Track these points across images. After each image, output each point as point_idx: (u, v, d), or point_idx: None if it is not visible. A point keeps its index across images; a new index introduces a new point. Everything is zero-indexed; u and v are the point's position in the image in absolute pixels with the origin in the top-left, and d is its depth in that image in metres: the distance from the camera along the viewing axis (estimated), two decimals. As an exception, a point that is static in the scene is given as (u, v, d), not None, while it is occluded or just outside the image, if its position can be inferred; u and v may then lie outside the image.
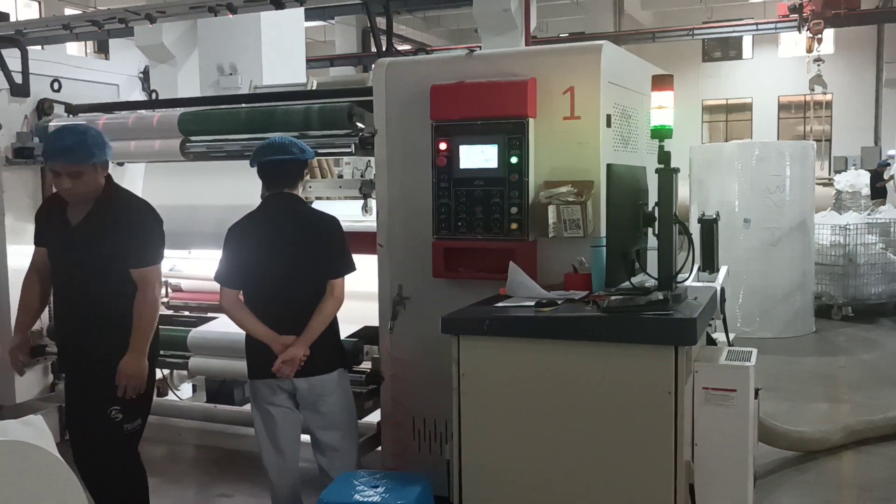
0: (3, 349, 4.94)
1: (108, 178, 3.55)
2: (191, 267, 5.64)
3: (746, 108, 26.49)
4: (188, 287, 5.72)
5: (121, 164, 5.35)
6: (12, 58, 5.15)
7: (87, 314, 3.53)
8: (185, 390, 5.95)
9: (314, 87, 5.77)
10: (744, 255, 8.40)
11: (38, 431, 2.87)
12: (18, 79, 5.05)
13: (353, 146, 4.13)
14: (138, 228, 3.51)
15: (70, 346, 3.62)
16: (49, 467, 2.85)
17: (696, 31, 20.28)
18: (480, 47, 5.84)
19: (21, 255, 5.04)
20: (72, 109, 5.23)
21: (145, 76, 14.72)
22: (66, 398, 3.72)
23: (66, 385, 3.72)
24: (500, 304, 3.40)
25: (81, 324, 3.54)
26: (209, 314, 5.21)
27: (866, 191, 12.63)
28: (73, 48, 19.78)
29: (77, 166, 3.39)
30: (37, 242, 3.70)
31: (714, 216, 4.48)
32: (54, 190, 3.61)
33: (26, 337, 3.73)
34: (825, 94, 18.87)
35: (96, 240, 3.46)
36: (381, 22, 5.02)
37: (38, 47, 13.92)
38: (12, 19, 13.95)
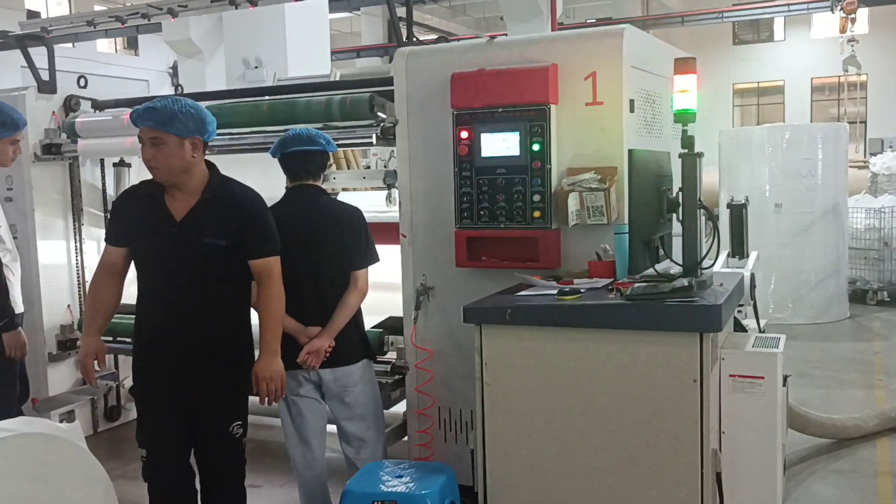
0: (36, 343, 5.04)
1: (213, 167, 3.27)
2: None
3: (778, 90, 26.07)
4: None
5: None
6: (40, 55, 5.22)
7: (200, 320, 3.17)
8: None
9: (337, 79, 5.78)
10: (775, 240, 8.29)
11: (69, 426, 2.92)
12: (45, 76, 5.10)
13: (374, 137, 4.12)
14: (257, 216, 3.23)
15: (177, 356, 3.18)
16: (77, 460, 2.89)
17: (725, 14, 19.94)
18: (506, 35, 5.80)
19: (50, 251, 5.14)
20: (98, 105, 5.28)
21: (174, 71, 14.87)
22: (168, 416, 3.24)
23: (164, 403, 3.24)
24: (522, 293, 3.38)
25: (194, 330, 3.17)
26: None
27: (903, 173, 12.37)
28: (104, 45, 20.02)
29: (157, 132, 3.06)
30: (113, 241, 3.30)
31: (743, 201, 4.42)
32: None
33: (101, 343, 3.33)
34: (860, 74, 18.48)
35: (211, 233, 3.14)
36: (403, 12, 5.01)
37: (69, 45, 14.11)
38: (42, 17, 14.14)
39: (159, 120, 3.05)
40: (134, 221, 3.25)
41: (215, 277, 3.20)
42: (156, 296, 3.24)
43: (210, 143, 4.54)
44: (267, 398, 3.25)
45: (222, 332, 3.23)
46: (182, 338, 3.18)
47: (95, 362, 3.30)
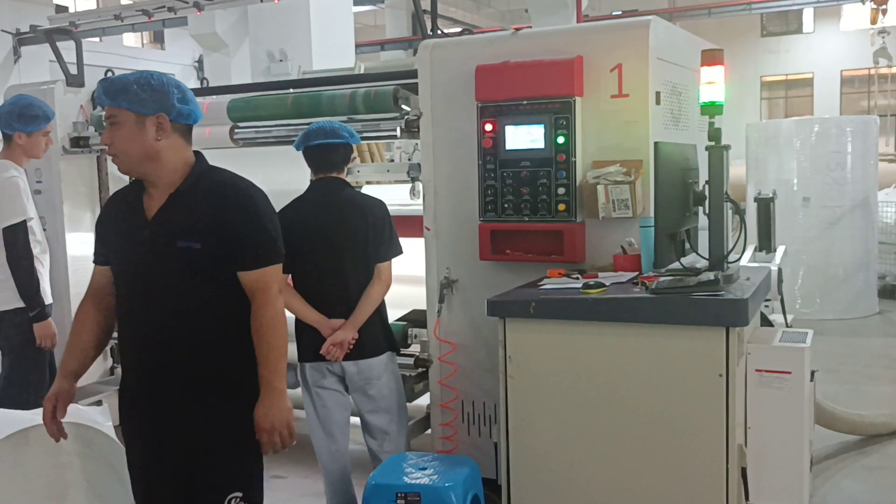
0: (65, 334, 5.10)
1: (200, 155, 2.58)
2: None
3: (807, 83, 25.71)
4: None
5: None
6: (68, 50, 5.28)
7: (182, 353, 2.47)
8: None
9: (362, 72, 5.78)
10: (803, 234, 8.20)
11: (98, 410, 2.96)
12: (74, 70, 5.15)
13: (398, 129, 4.12)
14: (246, 211, 2.51)
15: (158, 401, 2.50)
16: (104, 448, 2.93)
17: (754, 6, 19.66)
18: (531, 28, 5.77)
19: (79, 243, 5.20)
20: (125, 99, 5.33)
21: (200, 65, 14.96)
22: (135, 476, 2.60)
23: (150, 460, 2.55)
24: (546, 286, 3.36)
25: (175, 367, 2.47)
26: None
27: (934, 166, 12.19)
28: (130, 40, 20.19)
29: (112, 109, 2.44)
30: (96, 258, 2.69)
31: (771, 195, 4.37)
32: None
33: (71, 387, 2.58)
34: (891, 67, 18.19)
35: (184, 234, 2.45)
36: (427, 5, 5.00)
37: (96, 39, 14.25)
38: (70, 12, 14.29)
39: (109, 91, 2.43)
40: (110, 230, 2.63)
41: (198, 295, 2.46)
42: (129, 323, 2.56)
43: (237, 137, 4.62)
44: (272, 450, 2.49)
45: (213, 368, 2.48)
46: (162, 378, 2.48)
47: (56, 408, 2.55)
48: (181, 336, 2.46)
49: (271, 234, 2.54)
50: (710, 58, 3.14)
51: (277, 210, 3.66)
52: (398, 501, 3.25)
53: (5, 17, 11.85)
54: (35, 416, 2.77)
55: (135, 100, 2.42)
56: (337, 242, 3.63)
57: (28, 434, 2.75)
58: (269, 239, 2.53)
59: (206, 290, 2.46)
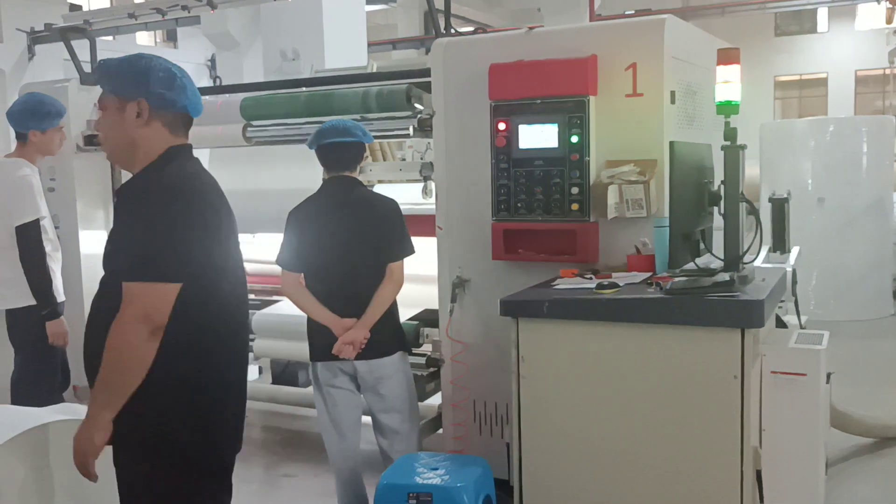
0: (78, 332, 5.12)
1: (173, 151, 2.32)
2: (255, 251, 5.72)
3: (821, 83, 25.58)
4: (252, 271, 5.81)
5: (186, 150, 5.45)
6: (82, 48, 5.30)
7: (85, 352, 2.33)
8: (252, 372, 6.07)
9: (374, 71, 5.78)
10: (817, 235, 8.13)
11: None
12: (88, 68, 5.17)
13: (411, 128, 4.11)
14: (120, 210, 2.27)
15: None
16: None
17: (768, 5, 19.56)
18: (543, 27, 5.75)
19: (92, 241, 5.21)
20: (139, 97, 5.34)
21: (212, 64, 14.99)
22: None
23: None
24: (559, 286, 3.35)
25: (85, 363, 2.34)
26: (273, 297, 5.28)
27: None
28: (143, 38, 20.27)
29: (103, 94, 2.34)
30: None
31: (785, 195, 4.34)
32: None
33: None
34: (906, 67, 18.09)
35: (109, 238, 2.31)
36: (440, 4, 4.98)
37: (110, 38, 14.30)
38: (84, 10, 14.35)
39: (97, 74, 2.35)
40: None
41: (112, 301, 2.19)
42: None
43: (249, 136, 4.62)
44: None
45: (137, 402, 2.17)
46: (91, 380, 2.27)
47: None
48: (95, 337, 2.24)
49: (147, 250, 2.14)
50: (727, 57, 3.11)
51: (290, 209, 3.71)
52: (410, 501, 3.25)
53: (19, 15, 11.93)
54: (49, 414, 2.77)
55: (116, 83, 2.30)
56: (349, 242, 3.62)
57: (47, 430, 2.75)
58: (142, 254, 2.14)
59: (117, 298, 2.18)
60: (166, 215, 2.16)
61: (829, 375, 3.35)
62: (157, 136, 2.31)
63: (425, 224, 4.12)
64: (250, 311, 4.93)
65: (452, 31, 4.52)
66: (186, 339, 2.20)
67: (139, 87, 2.27)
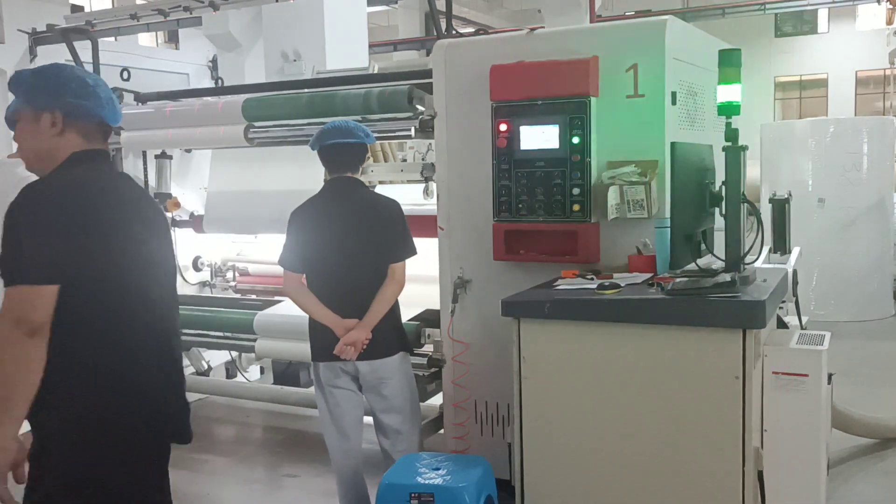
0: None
1: (75, 157, 2.29)
2: (257, 251, 5.73)
3: (822, 84, 25.58)
4: (254, 271, 5.83)
5: (188, 151, 5.47)
6: (84, 49, 5.31)
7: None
8: (254, 372, 6.08)
9: (376, 72, 5.79)
10: (818, 235, 8.14)
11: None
12: (90, 69, 5.17)
13: (412, 129, 4.12)
14: (20, 228, 2.15)
15: None
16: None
17: (768, 6, 19.57)
18: (544, 28, 5.76)
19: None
20: (141, 98, 5.36)
21: (214, 65, 14.99)
22: None
23: None
24: (560, 287, 3.35)
25: None
26: (275, 297, 5.29)
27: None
28: (145, 39, 20.29)
29: (18, 105, 2.32)
30: None
31: (786, 196, 4.34)
32: None
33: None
34: (906, 67, 18.09)
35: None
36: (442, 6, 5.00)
37: (111, 39, 14.30)
38: (86, 11, 14.36)
39: (11, 86, 2.32)
40: None
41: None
42: None
43: (251, 136, 4.63)
44: None
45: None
46: None
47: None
48: None
49: (23, 254, 2.11)
50: (728, 58, 3.12)
51: (292, 210, 3.72)
52: (412, 501, 3.25)
53: (21, 16, 11.92)
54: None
55: (29, 93, 2.29)
56: (351, 242, 3.63)
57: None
58: (17, 259, 2.12)
59: None
60: (39, 219, 2.15)
61: (830, 376, 3.35)
62: (73, 146, 2.30)
63: (426, 225, 4.13)
64: (250, 312, 4.95)
65: (453, 32, 4.53)
66: (84, 333, 2.18)
67: (53, 97, 2.28)
